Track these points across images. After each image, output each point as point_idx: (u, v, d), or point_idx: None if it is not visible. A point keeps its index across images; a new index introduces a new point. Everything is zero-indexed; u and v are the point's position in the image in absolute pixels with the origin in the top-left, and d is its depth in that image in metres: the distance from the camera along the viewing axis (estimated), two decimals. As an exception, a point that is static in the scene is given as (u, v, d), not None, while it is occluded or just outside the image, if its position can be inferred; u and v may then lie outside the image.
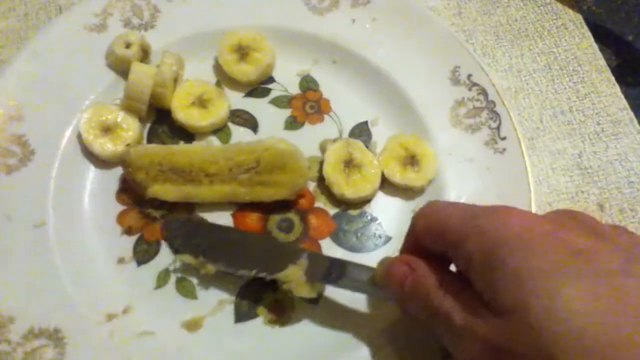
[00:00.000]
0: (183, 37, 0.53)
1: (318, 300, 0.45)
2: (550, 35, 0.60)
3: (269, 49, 0.53)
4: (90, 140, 0.48)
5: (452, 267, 0.35)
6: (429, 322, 0.34)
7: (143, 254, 0.46)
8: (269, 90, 0.54)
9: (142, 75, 0.49)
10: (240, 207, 0.48)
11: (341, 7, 0.55)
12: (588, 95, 0.57)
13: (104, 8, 0.53)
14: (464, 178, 0.49)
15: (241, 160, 0.46)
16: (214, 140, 0.51)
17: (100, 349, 0.41)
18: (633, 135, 0.55)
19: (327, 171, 0.48)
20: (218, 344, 0.43)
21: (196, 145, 0.50)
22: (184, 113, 0.50)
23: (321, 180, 0.49)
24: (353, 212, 0.49)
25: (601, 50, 0.60)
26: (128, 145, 0.48)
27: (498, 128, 0.50)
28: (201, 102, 0.50)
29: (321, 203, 0.49)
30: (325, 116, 0.53)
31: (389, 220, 0.49)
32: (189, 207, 0.48)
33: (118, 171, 0.49)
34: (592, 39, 0.60)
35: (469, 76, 0.52)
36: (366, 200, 0.49)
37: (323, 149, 0.50)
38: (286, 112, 0.53)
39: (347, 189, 0.48)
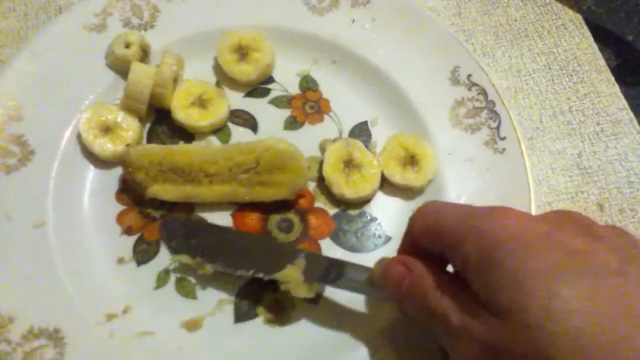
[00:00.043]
0: (183, 37, 0.53)
1: (318, 300, 0.45)
2: (550, 35, 0.60)
3: (268, 49, 0.53)
4: (90, 140, 0.48)
5: (450, 268, 0.35)
6: (427, 323, 0.34)
7: (143, 254, 0.46)
8: (268, 91, 0.54)
9: (142, 75, 0.49)
10: (240, 207, 0.48)
11: (341, 7, 0.55)
12: (588, 95, 0.57)
13: (104, 8, 0.53)
14: (463, 178, 0.49)
15: (241, 160, 0.46)
16: (214, 140, 0.51)
17: (100, 349, 0.41)
18: (633, 135, 0.55)
19: (327, 171, 0.48)
20: (218, 344, 0.43)
21: (196, 145, 0.50)
22: (183, 113, 0.50)
23: (321, 180, 0.49)
24: (353, 212, 0.49)
25: (601, 50, 0.60)
26: (128, 145, 0.48)
27: (498, 128, 0.50)
28: (201, 102, 0.50)
29: (321, 203, 0.49)
30: (325, 116, 0.53)
31: (389, 220, 0.49)
32: (189, 207, 0.48)
33: (118, 171, 0.49)
34: (591, 39, 0.60)
35: (469, 76, 0.52)
36: (366, 200, 0.49)
37: (323, 149, 0.50)
38: (286, 112, 0.53)
39: (347, 189, 0.48)
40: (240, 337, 0.44)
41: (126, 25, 0.53)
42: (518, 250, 0.29)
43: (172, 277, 0.45)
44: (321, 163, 0.49)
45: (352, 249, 0.48)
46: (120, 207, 0.48)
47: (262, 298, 0.45)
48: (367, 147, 0.50)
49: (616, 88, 0.57)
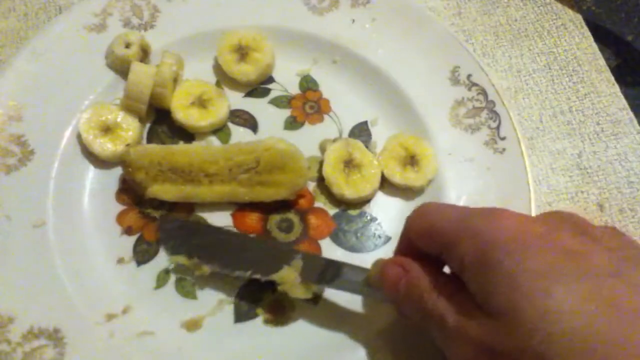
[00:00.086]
0: (183, 37, 0.53)
1: (318, 300, 0.45)
2: (550, 35, 0.60)
3: (268, 49, 0.53)
4: (90, 140, 0.48)
5: (446, 269, 0.35)
6: (423, 324, 0.34)
7: (143, 254, 0.46)
8: (268, 91, 0.54)
9: (142, 75, 0.49)
10: (240, 207, 0.48)
11: (341, 7, 0.55)
12: (588, 95, 0.57)
13: (104, 8, 0.53)
14: (463, 178, 0.49)
15: (241, 160, 0.46)
16: (214, 140, 0.51)
17: (100, 349, 0.41)
18: (633, 135, 0.55)
19: (327, 171, 0.48)
20: (218, 344, 0.43)
21: (196, 145, 0.50)
22: (183, 113, 0.50)
23: (321, 180, 0.49)
24: (353, 212, 0.49)
25: (601, 50, 0.60)
26: (128, 145, 0.48)
27: (498, 128, 0.50)
28: (201, 102, 0.50)
29: (321, 203, 0.49)
30: (325, 116, 0.53)
31: (389, 220, 0.49)
32: (189, 207, 0.48)
33: (118, 171, 0.49)
34: (591, 39, 0.60)
35: (469, 76, 0.52)
36: (366, 200, 0.49)
37: (323, 149, 0.50)
38: (286, 112, 0.53)
39: (347, 189, 0.48)
40: (240, 337, 0.44)
41: (126, 25, 0.53)
42: (514, 252, 0.29)
43: (172, 277, 0.45)
44: (321, 163, 0.49)
45: (352, 249, 0.48)
46: (120, 207, 0.48)
47: (262, 298, 0.45)
48: (367, 147, 0.50)
49: (616, 88, 0.57)
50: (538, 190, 0.52)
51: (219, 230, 0.47)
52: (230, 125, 0.52)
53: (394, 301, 0.37)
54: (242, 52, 0.52)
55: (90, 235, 0.46)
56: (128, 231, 0.47)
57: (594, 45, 0.60)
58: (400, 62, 0.53)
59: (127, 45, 0.50)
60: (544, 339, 0.26)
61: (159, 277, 0.45)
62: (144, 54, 0.51)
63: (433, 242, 0.34)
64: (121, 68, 0.51)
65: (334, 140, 0.50)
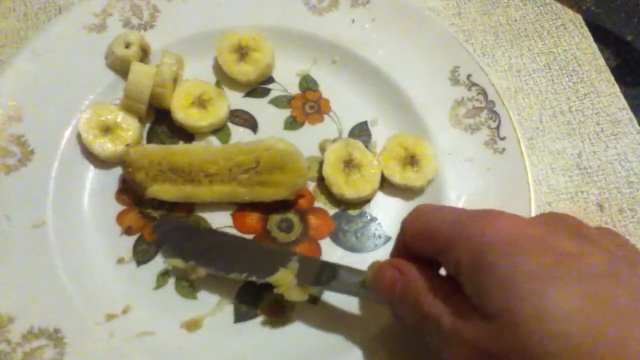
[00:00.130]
0: (183, 37, 0.53)
1: (317, 300, 0.45)
2: (550, 35, 0.60)
3: (268, 49, 0.53)
4: (90, 141, 0.48)
5: (442, 271, 0.35)
6: (419, 326, 0.34)
7: (143, 254, 0.46)
8: (268, 90, 0.54)
9: (142, 75, 0.49)
10: (240, 207, 0.48)
11: (341, 7, 0.55)
12: (587, 95, 0.57)
13: (104, 8, 0.53)
14: (463, 178, 0.49)
15: (241, 160, 0.46)
16: (214, 141, 0.51)
17: (100, 349, 0.41)
18: (632, 135, 0.55)
19: (327, 171, 0.48)
20: (218, 344, 0.43)
21: (196, 145, 0.50)
22: (183, 113, 0.50)
23: (321, 180, 0.49)
24: (353, 212, 0.49)
25: (601, 50, 0.60)
26: (127, 145, 0.48)
27: (498, 128, 0.50)
28: (201, 102, 0.50)
29: (321, 203, 0.49)
30: (325, 116, 0.53)
31: (389, 220, 0.49)
32: (189, 207, 0.48)
33: (117, 171, 0.49)
34: (591, 39, 0.60)
35: (469, 76, 0.52)
36: (366, 200, 0.49)
37: (323, 149, 0.50)
38: (286, 112, 0.53)
39: (347, 189, 0.48)
40: (240, 337, 0.44)
41: (126, 25, 0.53)
42: (509, 254, 0.29)
43: (172, 277, 0.45)
44: (321, 163, 0.49)
45: (352, 249, 0.48)
46: (120, 207, 0.48)
47: (262, 298, 0.45)
48: (367, 147, 0.50)
49: (616, 88, 0.57)
50: (538, 190, 0.52)
51: (214, 232, 0.47)
52: (230, 125, 0.52)
53: (389, 303, 0.37)
54: (242, 52, 0.52)
55: (90, 235, 0.46)
56: (128, 231, 0.47)
57: (594, 45, 0.60)
58: (400, 62, 0.53)
59: (127, 45, 0.50)
60: (539, 342, 0.26)
61: (159, 277, 0.45)
62: (144, 54, 0.51)
63: (428, 245, 0.34)
64: (121, 68, 0.51)
65: (334, 140, 0.50)
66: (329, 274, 0.41)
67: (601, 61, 0.59)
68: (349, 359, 0.42)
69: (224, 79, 0.53)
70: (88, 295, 0.43)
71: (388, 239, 0.48)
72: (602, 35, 0.61)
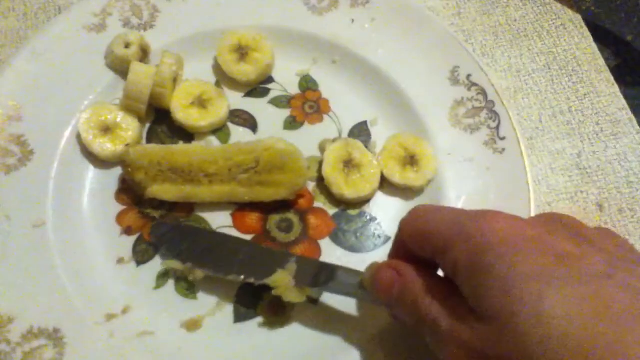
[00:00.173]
0: (182, 37, 0.53)
1: (317, 300, 0.45)
2: (550, 35, 0.60)
3: (268, 49, 0.53)
4: (90, 141, 0.48)
5: (440, 272, 0.35)
6: (417, 328, 0.34)
7: (142, 254, 0.46)
8: (268, 90, 0.54)
9: (142, 75, 0.49)
10: (240, 207, 0.48)
11: (340, 7, 0.55)
12: (587, 95, 0.57)
13: (103, 8, 0.53)
14: (463, 178, 0.49)
15: (240, 160, 0.46)
16: (214, 140, 0.51)
17: (100, 349, 0.41)
18: (632, 135, 0.55)
19: (327, 171, 0.48)
20: (217, 344, 0.43)
21: (195, 145, 0.50)
22: (183, 113, 0.50)
23: (320, 180, 0.49)
24: (352, 212, 0.49)
25: (600, 50, 0.60)
26: (127, 145, 0.48)
27: (497, 128, 0.50)
28: (201, 102, 0.50)
29: (320, 203, 0.49)
30: (325, 116, 0.53)
31: (389, 220, 0.49)
32: (189, 207, 0.48)
33: (117, 171, 0.49)
34: (591, 39, 0.60)
35: (468, 76, 0.52)
36: (365, 200, 0.49)
37: (322, 149, 0.50)
38: (285, 112, 0.53)
39: (347, 189, 0.48)
40: (240, 337, 0.44)
41: (126, 25, 0.53)
42: (507, 255, 0.29)
43: (172, 277, 0.45)
44: (321, 163, 0.49)
45: (352, 249, 0.48)
46: (120, 207, 0.48)
47: (262, 298, 0.45)
48: (366, 147, 0.50)
49: (616, 88, 0.57)
50: (538, 190, 0.52)
51: (211, 233, 0.47)
52: (229, 125, 0.52)
53: (387, 305, 0.37)
54: (242, 52, 0.52)
55: (90, 235, 0.46)
56: (128, 231, 0.47)
57: (594, 45, 0.60)
58: (400, 62, 0.53)
59: (127, 45, 0.50)
60: (535, 343, 0.26)
61: (159, 277, 0.45)
62: (144, 54, 0.51)
63: (426, 245, 0.34)
64: (121, 68, 0.51)
65: (334, 140, 0.50)
66: (326, 275, 0.41)
67: (601, 61, 0.59)
68: (347, 359, 0.42)
69: (223, 79, 0.53)
70: (88, 295, 0.43)
71: (388, 239, 0.48)
72: (601, 35, 0.61)
